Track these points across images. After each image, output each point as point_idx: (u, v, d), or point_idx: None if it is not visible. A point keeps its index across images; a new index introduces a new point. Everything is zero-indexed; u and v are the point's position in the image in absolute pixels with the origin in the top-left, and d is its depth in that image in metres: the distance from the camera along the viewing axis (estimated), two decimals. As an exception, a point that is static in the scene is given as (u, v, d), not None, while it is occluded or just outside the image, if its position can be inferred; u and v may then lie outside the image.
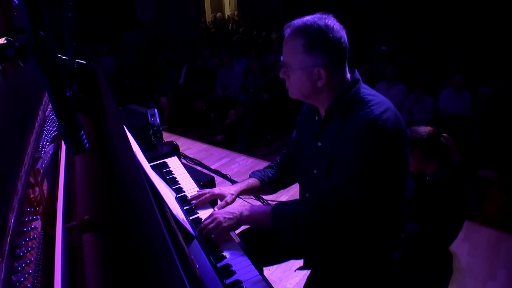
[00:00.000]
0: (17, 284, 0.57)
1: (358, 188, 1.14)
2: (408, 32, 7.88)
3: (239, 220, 1.32)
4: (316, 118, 1.36)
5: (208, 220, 1.33)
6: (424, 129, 1.86)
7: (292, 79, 1.25)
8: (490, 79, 5.31)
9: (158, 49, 8.88)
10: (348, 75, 1.26)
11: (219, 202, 1.51)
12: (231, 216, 1.32)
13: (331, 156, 1.23)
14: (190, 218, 1.45)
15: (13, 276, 0.57)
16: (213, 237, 1.29)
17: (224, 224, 1.30)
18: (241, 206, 1.33)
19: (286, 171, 1.60)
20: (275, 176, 1.58)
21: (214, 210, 1.41)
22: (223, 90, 6.74)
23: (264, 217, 1.30)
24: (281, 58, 1.26)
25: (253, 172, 1.61)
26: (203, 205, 1.53)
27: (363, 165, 1.13)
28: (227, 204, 1.47)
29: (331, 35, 1.17)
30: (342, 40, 1.19)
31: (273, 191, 1.61)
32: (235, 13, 13.29)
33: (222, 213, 1.33)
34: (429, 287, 1.56)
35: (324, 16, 1.20)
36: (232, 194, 1.50)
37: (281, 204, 1.32)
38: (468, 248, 2.59)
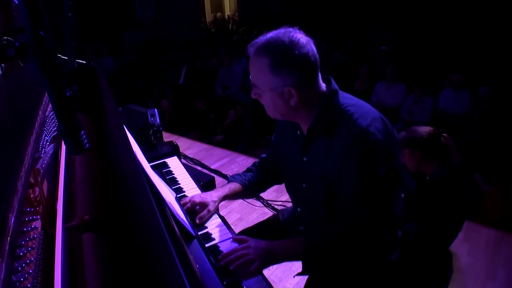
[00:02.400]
0: (17, 284, 0.57)
1: (372, 204, 1.14)
2: (408, 32, 7.87)
3: (272, 258, 1.20)
4: (298, 132, 1.32)
5: (243, 252, 1.18)
6: (424, 129, 1.86)
7: (264, 100, 1.21)
8: (490, 79, 5.31)
9: (158, 49, 8.87)
10: (323, 86, 1.21)
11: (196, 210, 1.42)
12: (265, 254, 1.19)
13: (323, 175, 1.21)
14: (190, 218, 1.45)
15: (13, 276, 0.57)
16: (234, 269, 1.15)
17: (258, 263, 1.16)
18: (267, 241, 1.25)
19: (265, 175, 1.55)
20: (256, 179, 1.53)
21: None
22: (223, 90, 6.73)
23: (297, 247, 1.22)
24: (250, 77, 1.21)
25: (233, 176, 1.55)
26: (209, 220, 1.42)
27: (369, 181, 1.12)
28: (209, 213, 1.40)
29: (296, 51, 1.10)
30: (310, 54, 1.13)
31: (254, 194, 1.59)
32: (235, 13, 13.28)
33: (259, 248, 1.20)
34: (429, 287, 1.56)
35: (288, 30, 1.14)
36: (215, 202, 1.43)
37: (314, 232, 1.27)
38: (468, 248, 2.59)
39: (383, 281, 1.31)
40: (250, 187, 1.52)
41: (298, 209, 1.39)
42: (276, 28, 1.18)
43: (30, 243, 0.66)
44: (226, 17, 13.20)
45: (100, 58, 7.77)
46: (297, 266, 1.26)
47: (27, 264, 0.61)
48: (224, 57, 6.98)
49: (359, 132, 1.11)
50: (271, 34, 1.15)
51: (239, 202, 3.15)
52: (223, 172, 3.61)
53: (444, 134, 1.84)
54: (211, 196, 1.44)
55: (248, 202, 3.04)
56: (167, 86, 7.33)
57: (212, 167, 3.77)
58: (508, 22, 6.93)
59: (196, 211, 1.42)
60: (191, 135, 5.93)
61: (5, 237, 0.54)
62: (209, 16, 13.10)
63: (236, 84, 6.71)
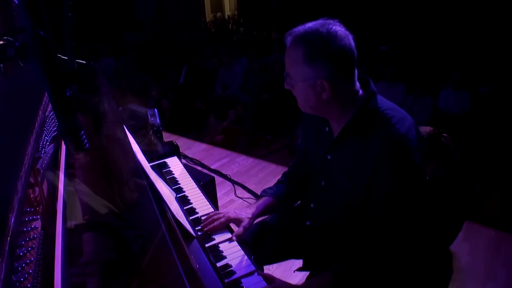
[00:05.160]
0: (17, 284, 0.57)
1: (405, 211, 1.14)
2: (408, 32, 7.87)
3: None
4: (326, 129, 1.29)
5: None
6: (424, 129, 1.86)
7: (296, 91, 1.19)
8: (490, 79, 5.31)
9: (158, 49, 8.88)
10: (358, 85, 1.18)
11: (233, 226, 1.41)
12: None
13: (351, 175, 1.19)
14: (190, 218, 1.45)
15: (13, 276, 0.57)
16: None
17: None
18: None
19: (295, 185, 1.51)
20: (288, 190, 1.50)
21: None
22: (223, 90, 6.74)
23: (323, 285, 1.17)
24: (285, 67, 1.19)
25: (264, 191, 1.52)
26: (219, 230, 1.38)
27: (402, 188, 1.12)
28: (245, 229, 1.38)
29: (333, 44, 1.07)
30: (347, 48, 1.10)
31: (289, 206, 1.53)
32: (235, 13, 13.29)
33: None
34: (429, 287, 1.56)
35: (328, 22, 1.11)
36: (250, 218, 1.40)
37: (341, 265, 1.19)
38: (468, 248, 2.59)
39: (383, 280, 1.31)
40: (285, 199, 1.49)
41: (312, 205, 1.36)
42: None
43: (30, 243, 0.66)
44: (226, 17, 13.19)
45: (100, 58, 7.77)
46: (297, 264, 1.26)
47: (27, 264, 0.61)
48: (224, 57, 6.99)
49: (397, 138, 1.09)
50: (309, 24, 1.12)
51: (238, 202, 3.15)
52: (223, 172, 3.62)
53: (444, 134, 1.83)
54: (246, 213, 1.42)
55: (248, 202, 3.04)
56: (167, 86, 7.33)
57: (212, 167, 3.77)
58: (508, 22, 6.93)
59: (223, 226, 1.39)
60: (191, 135, 5.93)
61: (5, 237, 0.54)
62: (209, 16, 13.11)
63: (236, 84, 6.72)
